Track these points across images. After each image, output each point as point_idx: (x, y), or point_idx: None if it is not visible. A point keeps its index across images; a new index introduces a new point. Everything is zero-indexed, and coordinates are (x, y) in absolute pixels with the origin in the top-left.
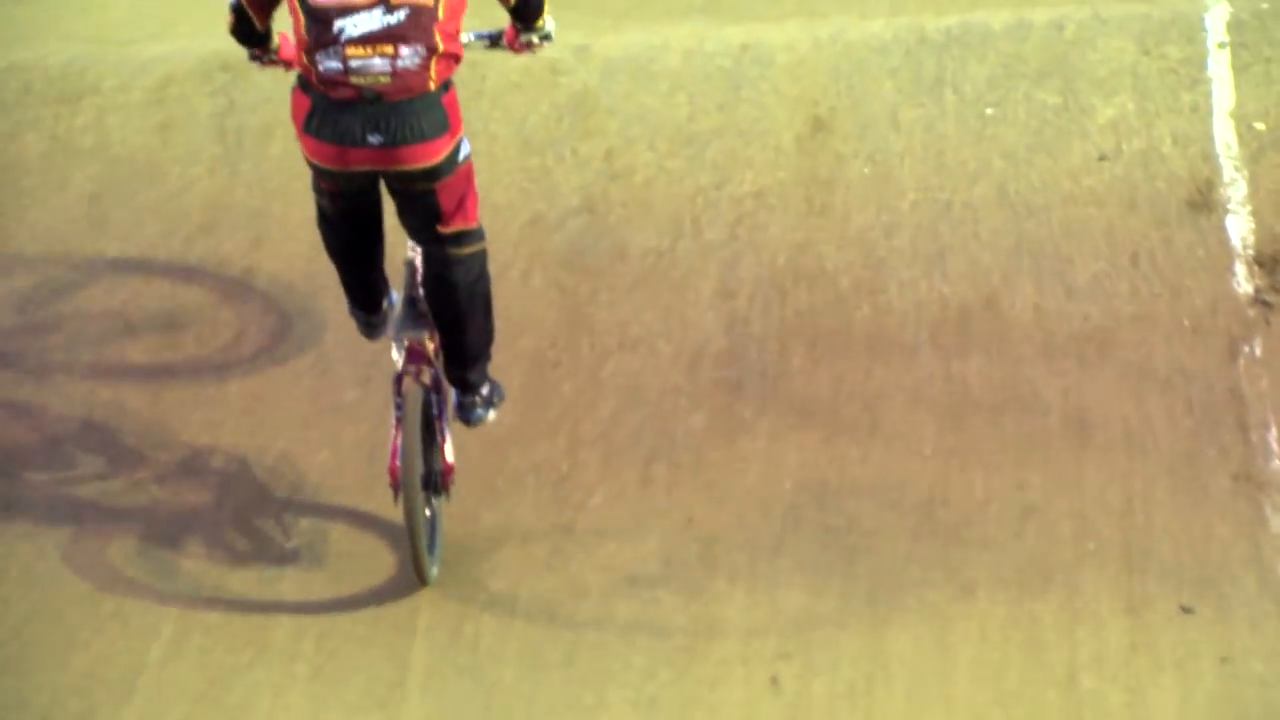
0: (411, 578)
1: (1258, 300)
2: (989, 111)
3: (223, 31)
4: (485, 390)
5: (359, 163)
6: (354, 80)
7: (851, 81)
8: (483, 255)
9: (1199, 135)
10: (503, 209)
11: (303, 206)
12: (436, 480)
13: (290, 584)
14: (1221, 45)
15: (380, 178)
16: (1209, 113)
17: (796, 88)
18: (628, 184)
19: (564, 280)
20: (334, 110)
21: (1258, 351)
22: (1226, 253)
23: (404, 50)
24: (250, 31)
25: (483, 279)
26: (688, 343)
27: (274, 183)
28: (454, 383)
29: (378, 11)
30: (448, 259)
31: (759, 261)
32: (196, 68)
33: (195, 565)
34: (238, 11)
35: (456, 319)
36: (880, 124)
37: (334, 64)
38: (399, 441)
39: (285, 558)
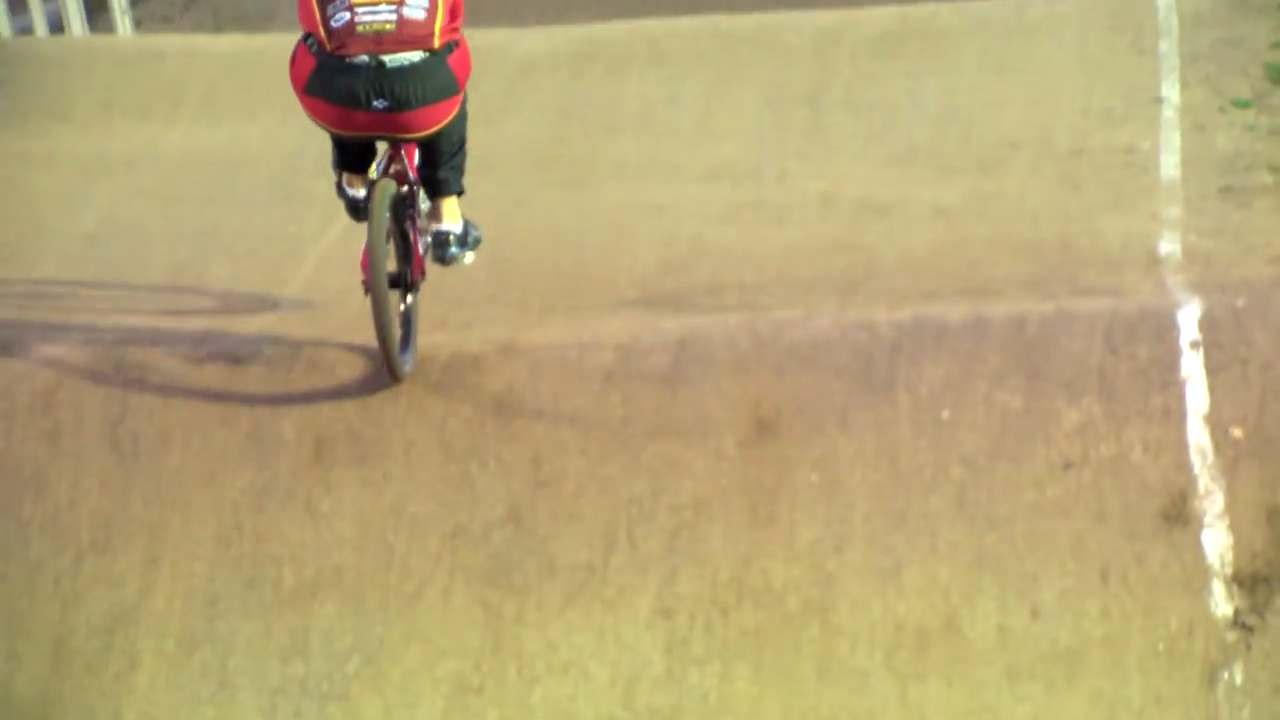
0: None
1: (1238, 623)
2: (945, 414)
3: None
4: (460, 228)
5: (364, 127)
6: (359, 28)
7: (797, 380)
8: (462, 153)
9: (1172, 442)
10: (421, 520)
11: (203, 522)
12: (406, 279)
13: None
14: (1195, 345)
15: (376, 140)
16: (1182, 417)
17: (738, 387)
18: (557, 492)
19: (488, 598)
20: (338, 71)
21: (1238, 679)
22: (1203, 570)
23: (409, 9)
24: None
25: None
26: (623, 666)
27: (173, 494)
28: (427, 184)
29: None
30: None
31: (700, 576)
32: (88, 368)
33: None
34: None
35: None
36: (829, 427)
37: (343, 15)
38: (368, 239)
39: None
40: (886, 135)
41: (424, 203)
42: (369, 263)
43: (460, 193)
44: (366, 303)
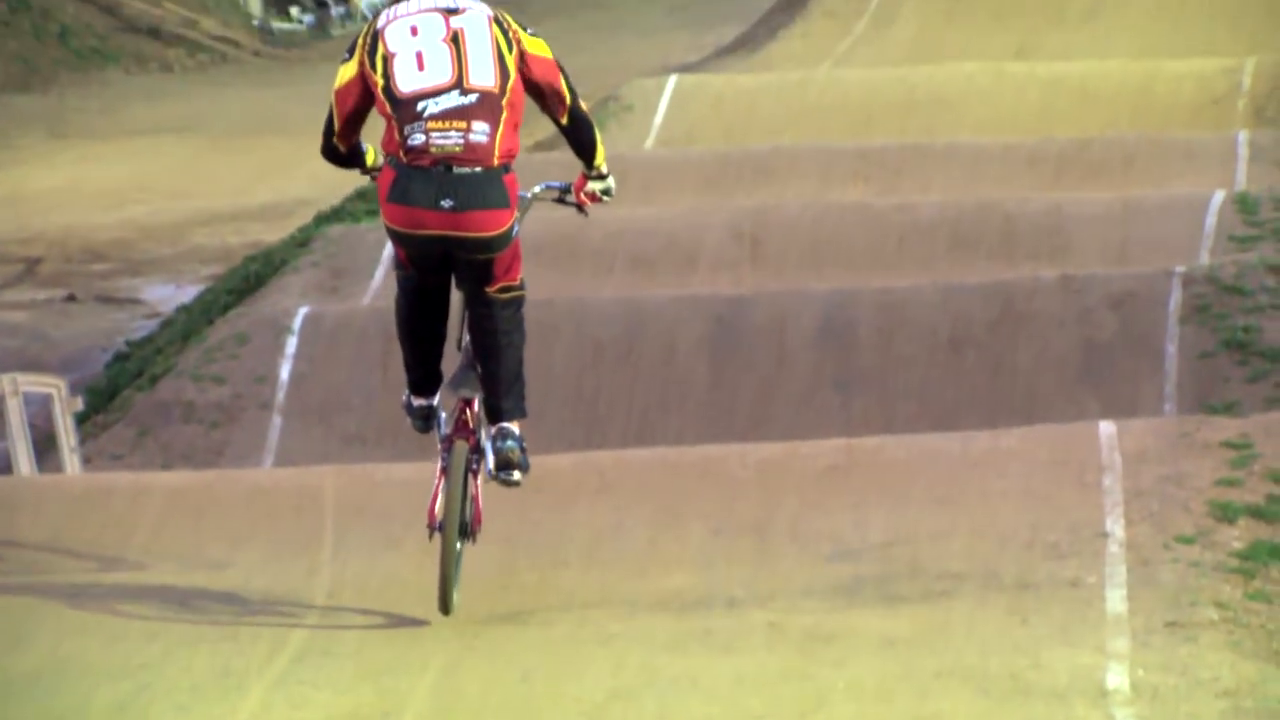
0: None
1: None
2: None
3: None
4: (515, 439)
5: (432, 225)
6: (433, 149)
7: None
8: (521, 301)
9: None
10: None
11: None
12: (468, 528)
13: None
14: None
15: (447, 248)
16: None
17: None
18: None
19: None
20: (414, 178)
21: None
22: None
23: (475, 125)
24: (336, 153)
25: (519, 319)
26: None
27: None
28: (491, 412)
29: (454, 93)
30: (490, 301)
31: None
32: None
33: None
34: (333, 158)
35: (494, 348)
36: None
37: (419, 137)
38: (441, 489)
39: None
40: (833, 565)
41: (486, 441)
42: (441, 510)
43: (523, 416)
44: None
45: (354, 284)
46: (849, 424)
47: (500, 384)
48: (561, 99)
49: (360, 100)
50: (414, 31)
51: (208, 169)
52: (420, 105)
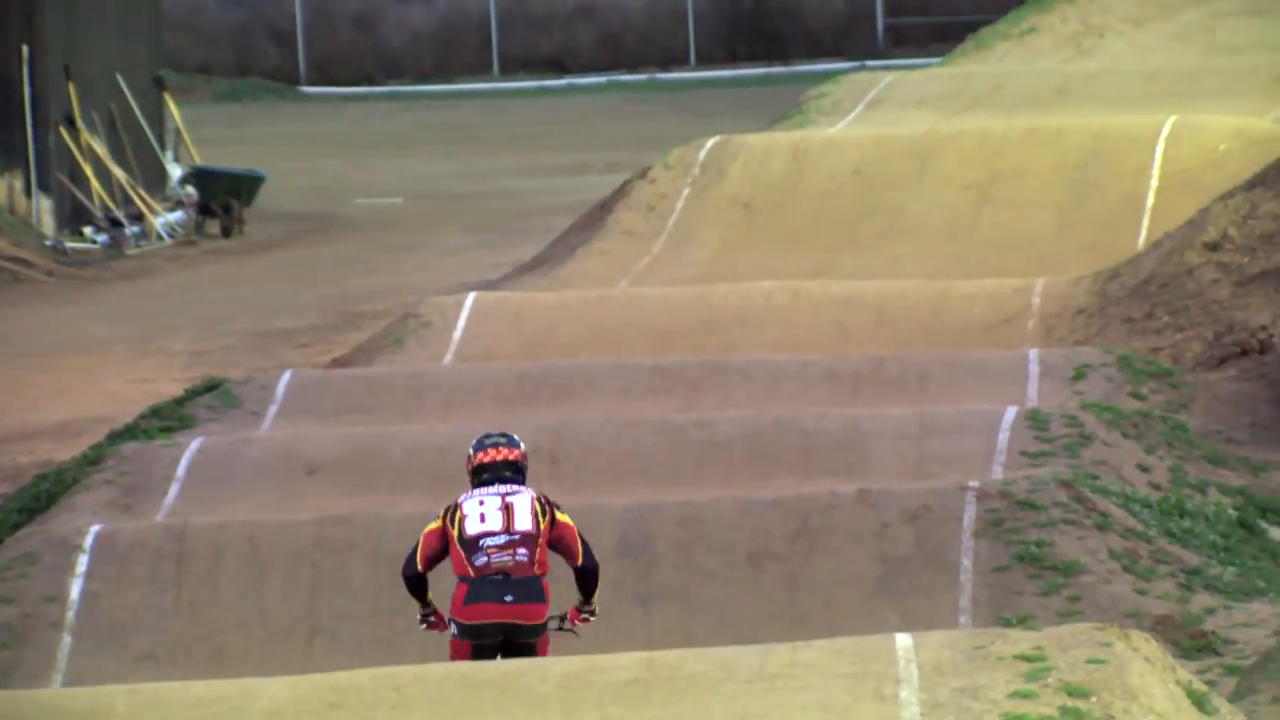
0: None
1: None
2: None
3: None
4: None
5: (498, 616)
6: (494, 566)
7: None
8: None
9: None
10: None
11: None
12: None
13: None
14: None
15: (503, 634)
16: None
17: None
18: None
19: None
20: (483, 586)
21: None
22: None
23: (520, 551)
24: (420, 585)
25: None
26: None
27: None
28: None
29: (504, 536)
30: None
31: None
32: None
33: None
34: (410, 580)
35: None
36: None
37: (482, 559)
38: None
39: None
40: None
41: None
42: None
43: None
44: None
45: (147, 501)
46: (650, 638)
47: None
48: (575, 555)
49: (441, 545)
50: (481, 504)
51: None
52: (483, 543)
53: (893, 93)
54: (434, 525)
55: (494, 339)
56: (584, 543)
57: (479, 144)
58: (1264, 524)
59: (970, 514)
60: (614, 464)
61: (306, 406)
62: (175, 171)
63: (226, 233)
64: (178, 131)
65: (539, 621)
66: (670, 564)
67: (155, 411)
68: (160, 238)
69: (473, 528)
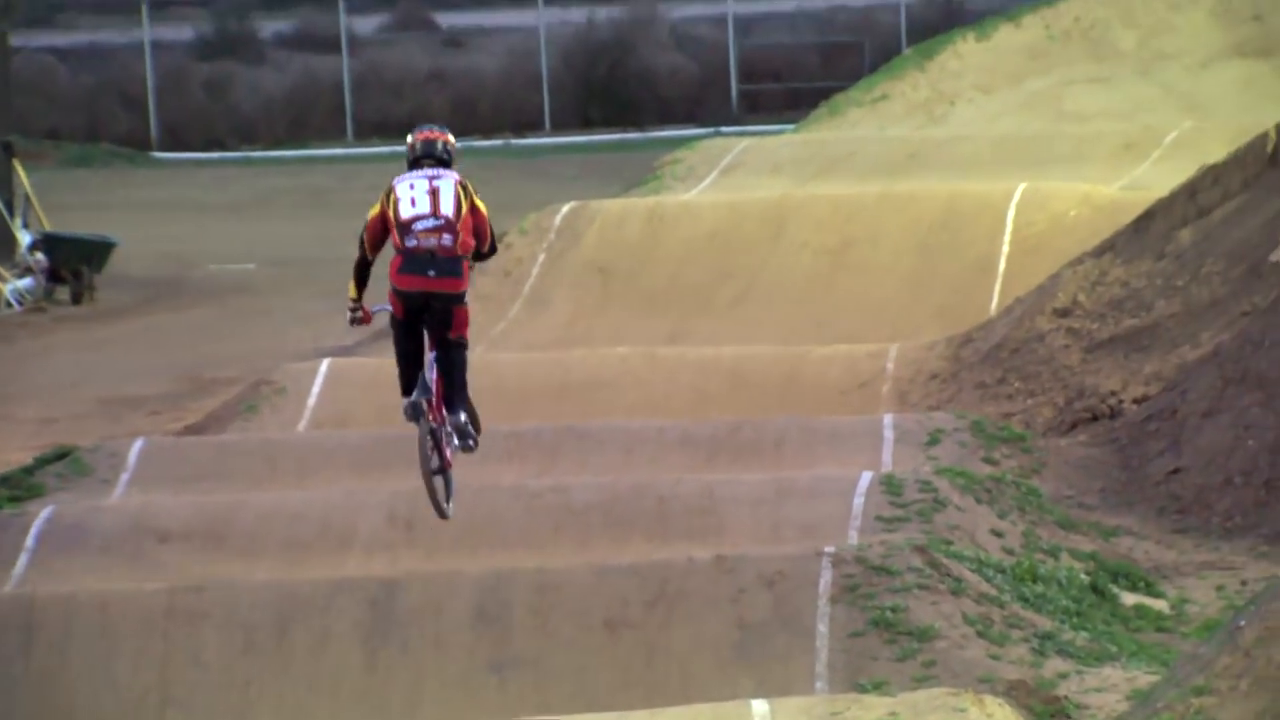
0: None
1: None
2: None
3: None
4: (462, 421)
5: (421, 286)
6: (423, 247)
7: None
8: (466, 346)
9: None
10: None
11: None
12: (442, 467)
13: None
14: None
15: (427, 300)
16: None
17: None
18: None
19: None
20: (413, 260)
21: None
22: None
23: (445, 236)
24: (365, 270)
25: (463, 358)
26: None
27: None
28: (446, 406)
29: (432, 220)
30: (449, 344)
31: None
32: None
33: None
34: (359, 264)
35: (450, 373)
36: None
37: (413, 241)
38: (419, 449)
39: None
40: None
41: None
42: (421, 463)
43: (465, 411)
44: None
45: None
46: (505, 707)
47: (452, 393)
48: (485, 240)
49: (382, 227)
50: (411, 187)
51: None
52: (414, 226)
53: (747, 158)
54: (374, 211)
55: (348, 405)
56: (490, 228)
57: (333, 209)
58: (1115, 589)
59: (826, 579)
60: (469, 530)
61: (159, 474)
62: (25, 238)
63: (77, 299)
64: (27, 198)
65: (457, 291)
66: (526, 631)
67: (4, 480)
68: (9, 305)
69: (405, 211)
